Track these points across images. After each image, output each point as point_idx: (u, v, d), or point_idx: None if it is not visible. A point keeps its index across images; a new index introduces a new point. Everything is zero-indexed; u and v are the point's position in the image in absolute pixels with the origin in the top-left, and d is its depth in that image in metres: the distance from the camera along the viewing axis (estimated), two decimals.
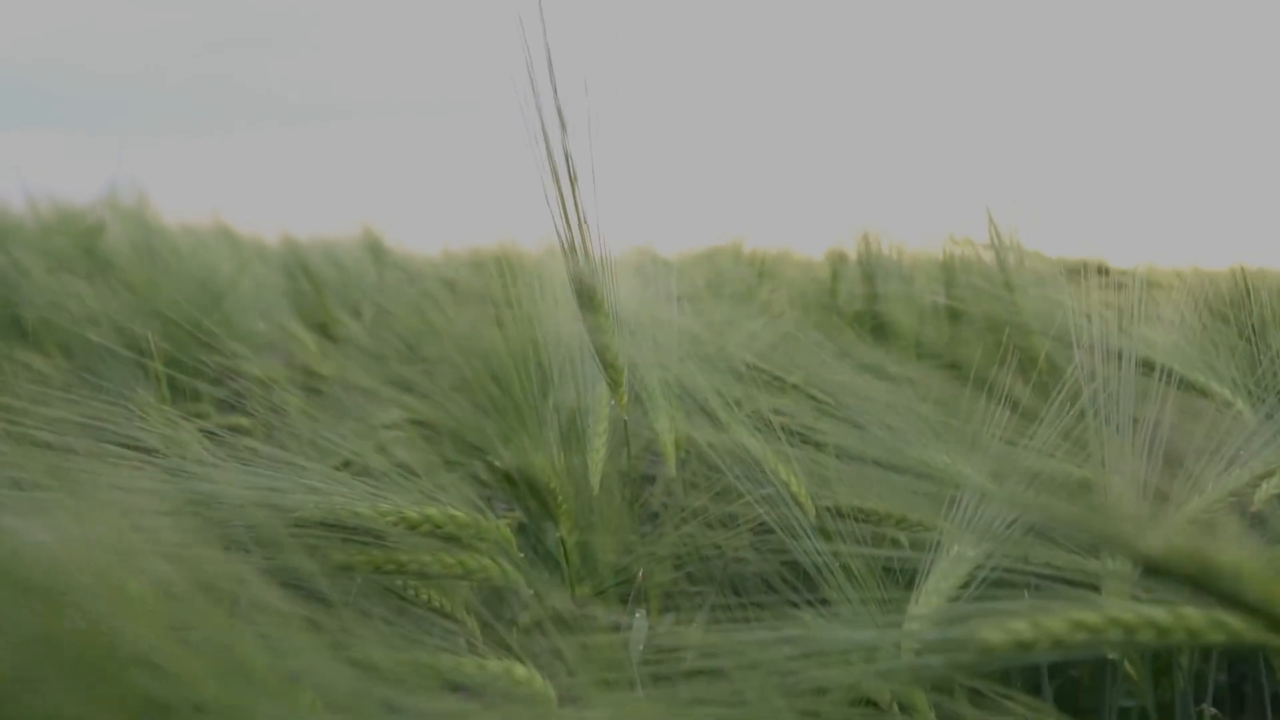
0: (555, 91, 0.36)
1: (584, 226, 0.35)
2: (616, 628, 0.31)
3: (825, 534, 0.36)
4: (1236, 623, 0.17)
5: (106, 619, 0.13)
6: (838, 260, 1.01)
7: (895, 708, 0.25)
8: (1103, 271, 0.66)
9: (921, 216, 0.89)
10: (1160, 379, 0.46)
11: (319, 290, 0.99)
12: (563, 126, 0.36)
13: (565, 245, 0.34)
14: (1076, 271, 0.68)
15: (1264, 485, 0.32)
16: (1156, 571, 0.16)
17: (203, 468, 0.31)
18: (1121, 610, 0.18)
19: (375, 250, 1.13)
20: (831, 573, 0.32)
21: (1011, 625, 0.19)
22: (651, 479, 0.43)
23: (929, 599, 0.29)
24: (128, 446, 0.32)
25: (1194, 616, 0.17)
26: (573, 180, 0.36)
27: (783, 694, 0.18)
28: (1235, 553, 0.16)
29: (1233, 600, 0.16)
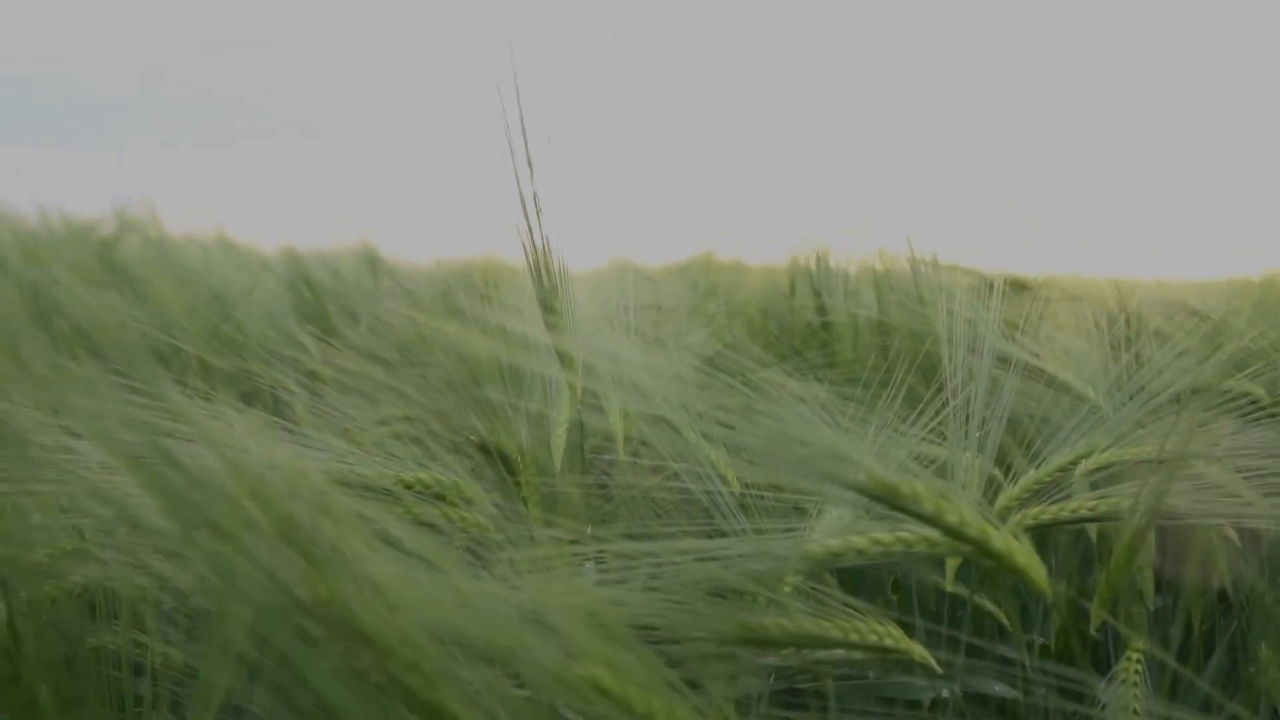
0: (525, 135, 0.45)
1: (546, 249, 0.43)
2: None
3: (742, 502, 0.45)
4: (926, 535, 0.26)
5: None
6: (799, 272, 1.10)
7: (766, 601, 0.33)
8: (1013, 284, 0.75)
9: (875, 230, 0.98)
10: (1034, 379, 0.55)
11: (321, 300, 1.07)
12: (530, 167, 0.45)
13: (530, 266, 0.43)
14: (994, 285, 0.77)
15: (1083, 462, 0.41)
16: (872, 497, 0.25)
17: (244, 441, 0.39)
18: (882, 534, 0.27)
19: (372, 261, 1.21)
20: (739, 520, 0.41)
21: (828, 542, 0.28)
22: (607, 460, 0.52)
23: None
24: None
25: (910, 536, 0.27)
26: (537, 211, 0.45)
27: (687, 584, 0.27)
28: (914, 484, 0.25)
29: (921, 516, 0.25)
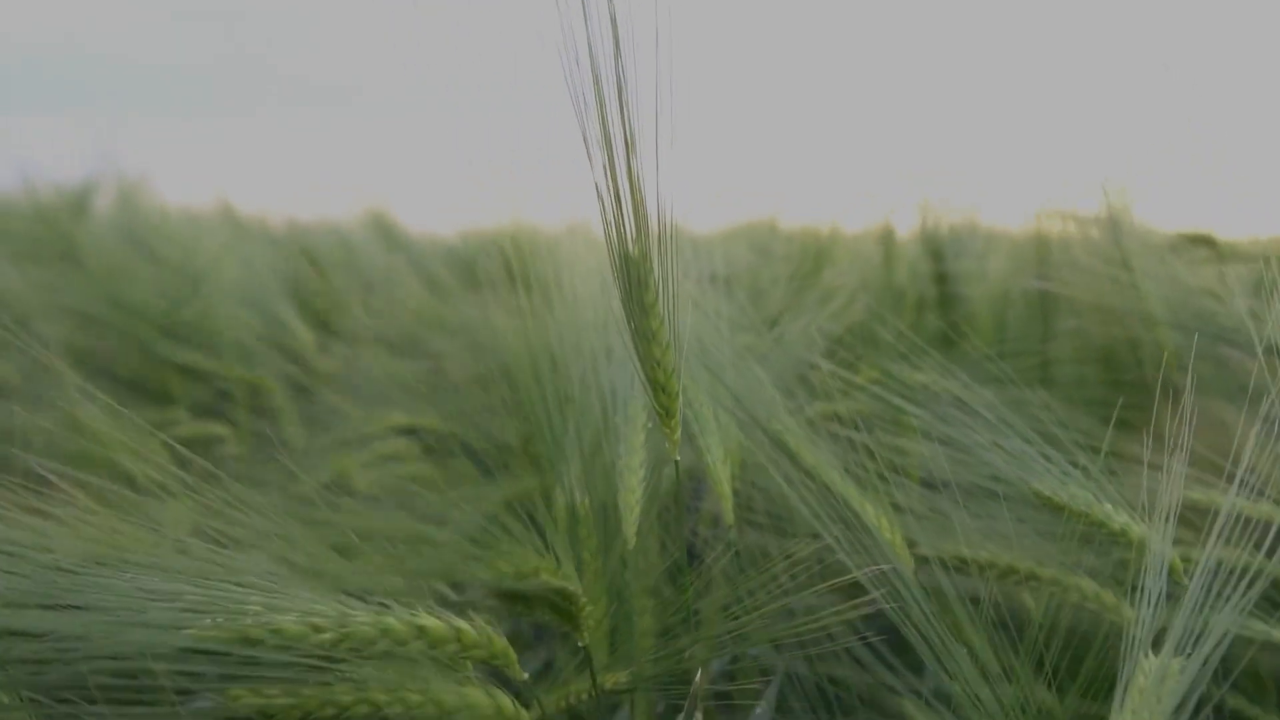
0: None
1: (639, 186, 0.26)
2: None
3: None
4: None
5: None
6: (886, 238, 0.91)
7: None
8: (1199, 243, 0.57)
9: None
10: None
11: (324, 277, 0.90)
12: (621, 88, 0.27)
13: (612, 220, 0.25)
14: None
15: None
16: None
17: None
18: None
19: (385, 232, 1.04)
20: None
21: None
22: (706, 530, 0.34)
23: None
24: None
25: None
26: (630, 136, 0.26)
27: None
28: None
29: None
